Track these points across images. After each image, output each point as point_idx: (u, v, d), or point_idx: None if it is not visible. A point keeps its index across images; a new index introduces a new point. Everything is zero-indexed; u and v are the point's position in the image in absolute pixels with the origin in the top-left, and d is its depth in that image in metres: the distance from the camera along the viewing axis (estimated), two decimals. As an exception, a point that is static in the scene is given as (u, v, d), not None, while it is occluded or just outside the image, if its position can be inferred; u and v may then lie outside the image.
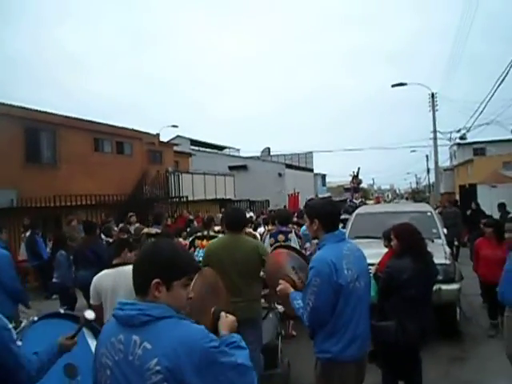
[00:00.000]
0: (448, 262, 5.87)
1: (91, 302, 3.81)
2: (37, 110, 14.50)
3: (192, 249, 6.06)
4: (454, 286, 5.72)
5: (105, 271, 3.82)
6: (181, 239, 7.53)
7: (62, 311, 3.02)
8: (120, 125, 18.61)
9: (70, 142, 15.58)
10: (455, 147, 36.38)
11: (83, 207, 13.98)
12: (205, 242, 5.78)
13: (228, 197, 25.17)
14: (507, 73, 13.75)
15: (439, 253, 6.08)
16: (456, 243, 11.17)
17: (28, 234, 10.56)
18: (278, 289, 2.81)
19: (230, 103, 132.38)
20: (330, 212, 2.70)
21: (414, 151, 40.86)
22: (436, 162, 22.72)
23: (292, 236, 5.48)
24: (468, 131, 21.27)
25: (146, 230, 7.85)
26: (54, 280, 6.87)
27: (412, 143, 53.50)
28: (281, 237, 5.70)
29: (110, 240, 7.84)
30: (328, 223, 2.66)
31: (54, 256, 7.13)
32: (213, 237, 5.66)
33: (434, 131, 21.73)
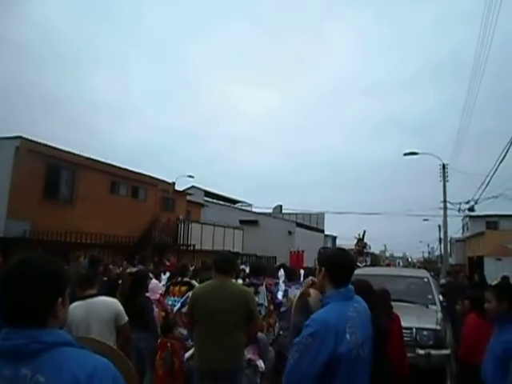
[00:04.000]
0: (438, 327, 5.93)
1: None
2: (60, 149, 15.26)
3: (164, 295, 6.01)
4: (444, 352, 5.74)
5: (75, 304, 3.64)
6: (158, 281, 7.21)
7: None
8: (137, 170, 19.36)
9: (87, 181, 16.23)
10: (468, 219, 36.25)
11: (92, 246, 14.28)
12: (177, 288, 5.84)
13: (235, 250, 25.25)
14: (507, 150, 14.07)
15: (431, 318, 6.17)
16: None
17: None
18: None
19: (247, 158, 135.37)
20: (338, 262, 2.35)
21: (426, 220, 40.70)
22: (445, 232, 22.68)
23: (262, 289, 5.18)
24: (476, 203, 21.41)
25: (128, 269, 8.01)
26: None
27: (424, 211, 53.23)
28: (251, 289, 5.29)
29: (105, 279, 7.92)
30: (335, 275, 2.31)
31: None
32: (186, 283, 5.77)
33: (444, 201, 21.91)
